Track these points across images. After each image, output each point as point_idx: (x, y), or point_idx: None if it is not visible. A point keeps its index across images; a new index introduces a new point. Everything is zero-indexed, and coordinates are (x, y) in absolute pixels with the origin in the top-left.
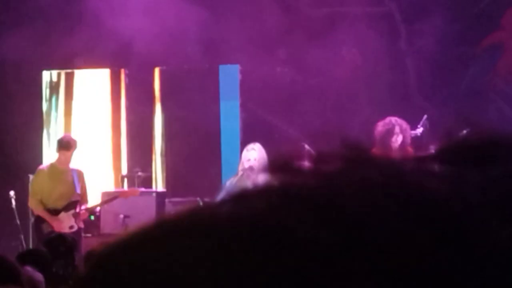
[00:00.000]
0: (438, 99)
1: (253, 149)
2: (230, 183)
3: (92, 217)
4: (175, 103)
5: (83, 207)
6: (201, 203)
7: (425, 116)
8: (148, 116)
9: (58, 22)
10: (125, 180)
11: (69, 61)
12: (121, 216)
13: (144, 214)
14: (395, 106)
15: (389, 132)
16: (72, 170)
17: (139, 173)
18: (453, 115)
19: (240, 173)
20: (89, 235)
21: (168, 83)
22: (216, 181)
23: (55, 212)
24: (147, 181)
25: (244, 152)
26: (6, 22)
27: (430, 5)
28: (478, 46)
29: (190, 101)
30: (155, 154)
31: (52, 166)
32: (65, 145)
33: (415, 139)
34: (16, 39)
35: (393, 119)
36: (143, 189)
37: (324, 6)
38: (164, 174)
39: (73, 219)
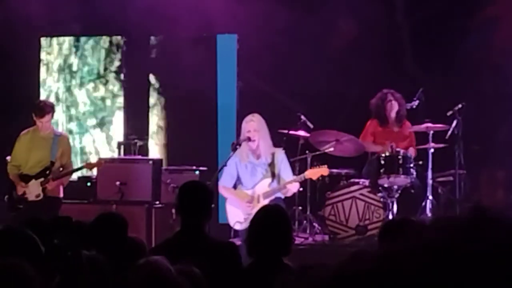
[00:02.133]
0: (434, 72)
1: (251, 120)
2: (233, 156)
3: (89, 184)
4: (172, 72)
5: (51, 176)
6: (197, 173)
7: (420, 89)
8: (145, 85)
9: None
10: (122, 147)
11: (66, 28)
12: (117, 183)
13: (140, 181)
14: (390, 78)
15: (384, 101)
16: (55, 135)
17: (136, 141)
18: (449, 88)
19: (239, 143)
20: (85, 201)
21: (165, 52)
22: (212, 150)
23: (27, 178)
24: (144, 149)
25: (243, 124)
26: None
27: None
28: (474, 19)
29: (187, 70)
30: (152, 122)
31: (33, 131)
32: (39, 112)
33: (411, 111)
34: (14, 4)
35: (385, 90)
36: (139, 157)
37: None
38: (161, 142)
39: (40, 188)
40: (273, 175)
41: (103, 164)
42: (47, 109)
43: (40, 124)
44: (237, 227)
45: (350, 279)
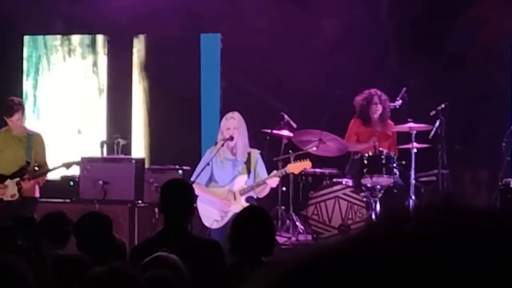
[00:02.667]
0: (418, 71)
1: (232, 117)
2: (210, 152)
3: (71, 183)
4: (156, 71)
5: (27, 175)
6: (180, 172)
7: (404, 89)
8: (128, 84)
9: None
10: (105, 146)
11: (49, 26)
12: (100, 182)
13: (123, 180)
14: (374, 77)
15: (368, 102)
16: (28, 134)
17: (119, 140)
18: (432, 88)
19: (220, 142)
20: (68, 200)
21: (149, 51)
22: (196, 149)
23: (2, 178)
24: (127, 148)
25: (223, 121)
26: None
27: None
28: (458, 19)
29: (171, 69)
30: (135, 121)
31: (6, 131)
32: (7, 111)
33: (394, 111)
34: None
35: (372, 90)
36: (122, 156)
37: None
38: (144, 141)
39: (16, 187)
40: (249, 173)
41: (81, 163)
42: (15, 107)
43: (11, 123)
44: (214, 226)
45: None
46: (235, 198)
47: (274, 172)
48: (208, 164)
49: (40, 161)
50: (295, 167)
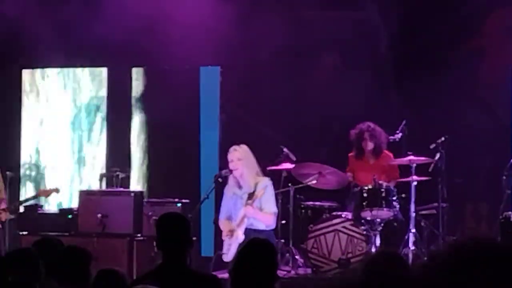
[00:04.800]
0: (418, 104)
1: (235, 150)
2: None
3: (70, 216)
4: (155, 103)
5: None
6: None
7: (403, 122)
8: (127, 116)
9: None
10: (104, 179)
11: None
12: (99, 215)
13: (121, 213)
14: (374, 110)
15: (359, 139)
16: None
17: (118, 173)
18: (432, 121)
19: (223, 175)
20: (66, 234)
21: (148, 83)
22: (194, 182)
23: None
24: (126, 181)
25: (228, 154)
26: None
27: (412, 12)
28: (458, 52)
29: (170, 102)
30: (134, 154)
31: None
32: None
33: (394, 144)
34: None
35: (365, 125)
36: (121, 189)
37: (305, 10)
38: (143, 175)
39: None
40: (250, 204)
41: (58, 190)
42: None
43: None
44: (224, 258)
45: None
46: (234, 230)
47: (269, 206)
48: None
49: (3, 193)
50: None
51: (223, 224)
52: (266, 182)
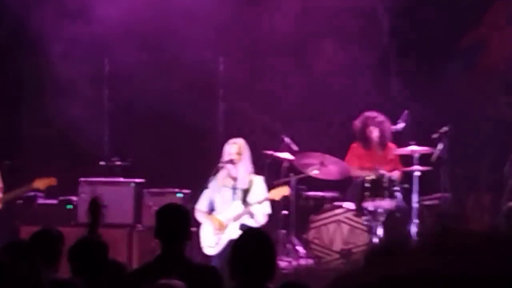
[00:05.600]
0: (420, 94)
1: (234, 143)
2: (212, 178)
3: (70, 207)
4: (156, 93)
5: None
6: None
7: (406, 112)
8: (129, 106)
9: None
10: (104, 168)
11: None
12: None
13: (122, 204)
14: (376, 100)
15: (364, 125)
16: None
17: (118, 163)
18: (435, 111)
19: (221, 166)
20: (65, 225)
21: (150, 74)
22: (195, 173)
23: None
24: (126, 171)
25: (226, 146)
26: None
27: (413, 1)
28: (460, 42)
29: (172, 92)
30: (135, 144)
31: None
32: None
33: (396, 134)
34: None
35: (368, 113)
36: (121, 179)
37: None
38: (143, 164)
39: None
40: (244, 200)
41: (55, 181)
42: None
43: None
44: (208, 251)
45: None
46: (226, 226)
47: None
48: (207, 187)
49: None
50: (274, 194)
51: (204, 216)
52: (260, 181)
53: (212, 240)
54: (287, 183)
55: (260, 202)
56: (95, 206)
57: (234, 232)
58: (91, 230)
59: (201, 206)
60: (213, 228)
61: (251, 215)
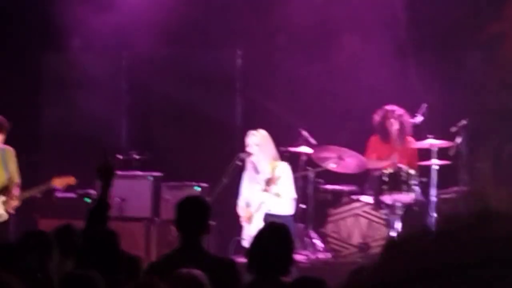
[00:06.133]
0: (438, 87)
1: (253, 134)
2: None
3: (88, 200)
4: (174, 86)
5: (12, 193)
6: (197, 188)
7: (424, 105)
8: (147, 99)
9: None
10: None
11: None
12: (117, 199)
13: (140, 197)
14: (395, 94)
15: (384, 119)
16: (1, 149)
17: (136, 156)
18: (453, 104)
19: (241, 159)
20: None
21: (168, 66)
22: (213, 166)
23: None
24: (144, 165)
25: (246, 138)
26: None
27: None
28: (480, 36)
29: (190, 85)
30: (152, 137)
31: None
32: None
33: (414, 127)
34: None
35: (388, 106)
36: (139, 173)
37: None
38: (161, 158)
39: (2, 207)
40: (268, 189)
41: (73, 180)
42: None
43: None
44: (244, 244)
45: None
46: (250, 218)
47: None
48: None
49: (14, 177)
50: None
51: (241, 210)
52: (284, 167)
53: (243, 232)
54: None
55: (268, 186)
56: (107, 169)
57: (259, 223)
58: (103, 193)
59: (240, 200)
60: (242, 220)
61: (278, 202)
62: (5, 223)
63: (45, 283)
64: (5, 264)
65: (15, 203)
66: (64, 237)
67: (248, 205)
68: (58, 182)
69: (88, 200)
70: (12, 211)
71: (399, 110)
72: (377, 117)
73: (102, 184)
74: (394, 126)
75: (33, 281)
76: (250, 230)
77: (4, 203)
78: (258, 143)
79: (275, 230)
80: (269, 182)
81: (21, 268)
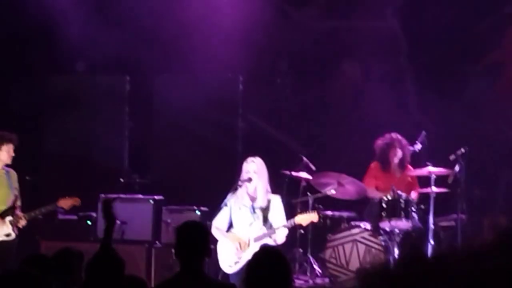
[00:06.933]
0: (438, 115)
1: (252, 161)
2: (230, 195)
3: (89, 223)
4: (175, 110)
5: (19, 212)
6: (197, 212)
7: (423, 133)
8: (148, 123)
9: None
10: (124, 185)
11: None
12: (118, 222)
13: (141, 220)
14: (394, 121)
15: (389, 147)
16: (5, 170)
17: (138, 180)
18: (452, 132)
19: (239, 184)
20: (85, 240)
21: (169, 91)
22: (214, 190)
23: None
24: (145, 188)
25: (244, 164)
26: None
27: (432, 23)
28: (479, 64)
29: (190, 109)
30: (154, 161)
31: None
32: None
33: (414, 155)
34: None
35: (394, 134)
36: (140, 196)
37: (327, 19)
38: (162, 182)
39: (10, 226)
40: (265, 220)
41: (78, 201)
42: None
43: None
44: (228, 270)
45: None
46: (248, 245)
47: (283, 223)
48: (225, 204)
49: (18, 199)
50: (302, 219)
51: (223, 234)
52: (278, 200)
53: (232, 258)
54: (316, 209)
55: (286, 227)
56: (107, 207)
57: (255, 250)
58: (106, 233)
59: (218, 223)
60: (234, 247)
61: (271, 233)
62: (12, 242)
63: None
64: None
65: (23, 222)
66: (64, 261)
67: (229, 228)
68: (64, 203)
69: (89, 222)
70: (21, 226)
71: (403, 140)
72: (380, 144)
73: (105, 230)
74: (398, 155)
75: None
76: (241, 257)
77: (12, 222)
78: (257, 171)
79: (271, 254)
80: (265, 212)
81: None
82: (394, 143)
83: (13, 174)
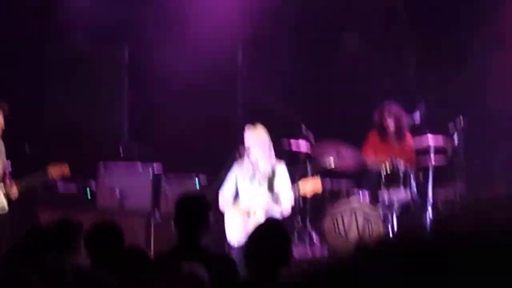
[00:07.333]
0: (437, 86)
1: (251, 131)
2: (236, 165)
3: (89, 196)
4: (174, 78)
5: (8, 181)
6: (197, 181)
7: (422, 103)
8: (149, 92)
9: None
10: (123, 152)
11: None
12: (117, 191)
13: (140, 189)
14: (393, 91)
15: (381, 118)
16: None
17: (137, 148)
18: (452, 103)
19: (241, 153)
20: (84, 210)
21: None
22: (214, 160)
23: None
24: (145, 156)
25: (245, 134)
26: None
27: None
28: (478, 35)
29: (193, 76)
30: (153, 129)
31: None
32: None
33: (413, 125)
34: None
35: (386, 104)
36: (140, 164)
37: None
38: (162, 150)
39: (4, 200)
40: (270, 188)
41: (67, 170)
42: None
43: None
44: (234, 241)
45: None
46: (254, 215)
47: (290, 193)
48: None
49: (5, 167)
50: (306, 186)
51: (230, 204)
52: (282, 168)
53: (238, 230)
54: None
55: (285, 201)
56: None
57: (261, 219)
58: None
59: (225, 192)
60: (241, 219)
61: (277, 202)
62: (4, 215)
63: (60, 279)
64: (27, 261)
65: (14, 190)
66: (63, 231)
67: (236, 198)
68: (53, 171)
69: (88, 192)
70: (13, 197)
71: (396, 108)
72: (375, 117)
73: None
74: (391, 124)
75: (51, 276)
76: (248, 225)
77: (5, 194)
78: (258, 142)
79: (270, 226)
80: (270, 181)
81: (41, 263)
82: (385, 113)
83: (1, 144)
